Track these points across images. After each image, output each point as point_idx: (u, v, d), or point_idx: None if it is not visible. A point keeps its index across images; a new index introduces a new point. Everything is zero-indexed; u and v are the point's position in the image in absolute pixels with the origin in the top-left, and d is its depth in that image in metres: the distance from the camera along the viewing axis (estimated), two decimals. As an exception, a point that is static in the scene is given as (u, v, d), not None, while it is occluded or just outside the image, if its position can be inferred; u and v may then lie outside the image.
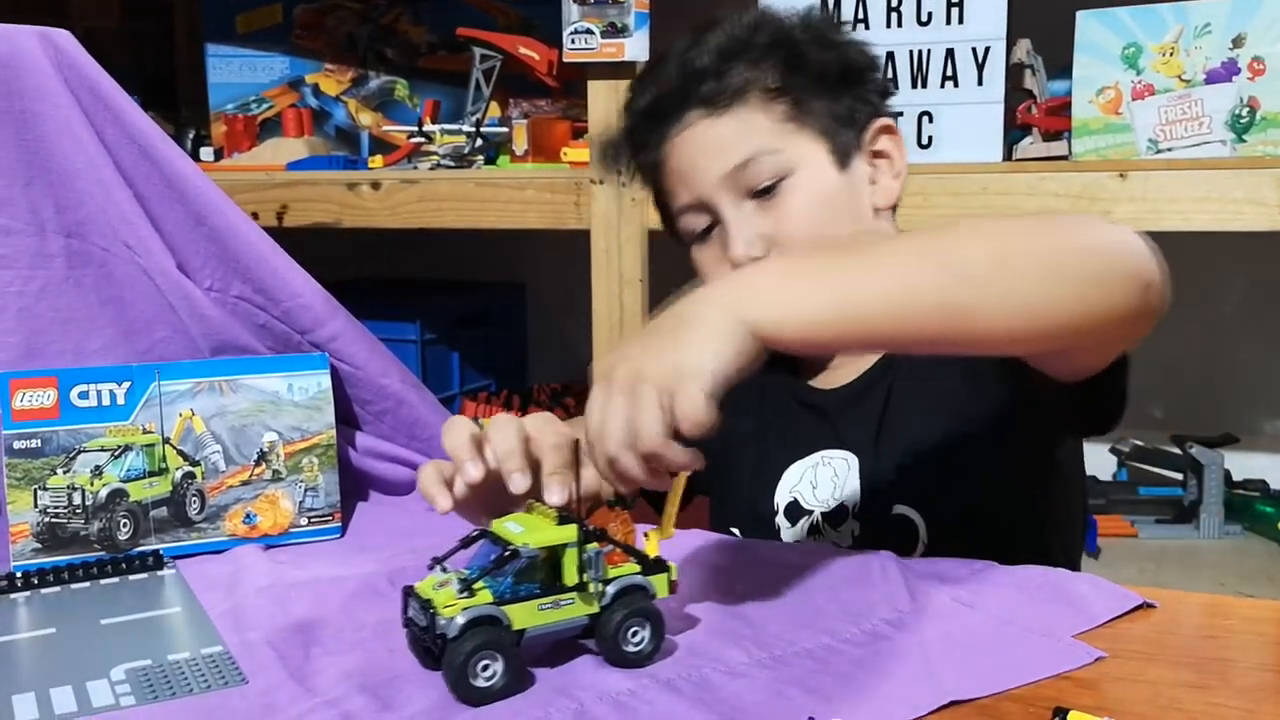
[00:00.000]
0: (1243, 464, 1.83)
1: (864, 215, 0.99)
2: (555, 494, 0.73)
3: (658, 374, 0.66)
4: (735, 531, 1.05)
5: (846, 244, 0.86)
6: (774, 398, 1.07)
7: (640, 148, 1.03)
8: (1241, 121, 1.34)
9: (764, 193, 0.96)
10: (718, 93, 0.96)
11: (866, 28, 1.46)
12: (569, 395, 2.11)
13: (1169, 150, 1.38)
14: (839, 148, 0.97)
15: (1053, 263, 0.71)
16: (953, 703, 0.67)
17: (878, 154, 1.01)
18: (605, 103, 1.54)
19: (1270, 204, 1.29)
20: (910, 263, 0.71)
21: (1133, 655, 0.73)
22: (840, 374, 1.04)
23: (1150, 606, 0.79)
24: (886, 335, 0.72)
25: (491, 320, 2.26)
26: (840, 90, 0.98)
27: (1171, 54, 1.36)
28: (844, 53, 1.00)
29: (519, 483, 0.75)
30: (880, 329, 0.70)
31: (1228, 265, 1.92)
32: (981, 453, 0.94)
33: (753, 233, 0.96)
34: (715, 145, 0.96)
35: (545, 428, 0.78)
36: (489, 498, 0.78)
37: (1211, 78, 1.35)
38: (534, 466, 0.76)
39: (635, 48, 1.49)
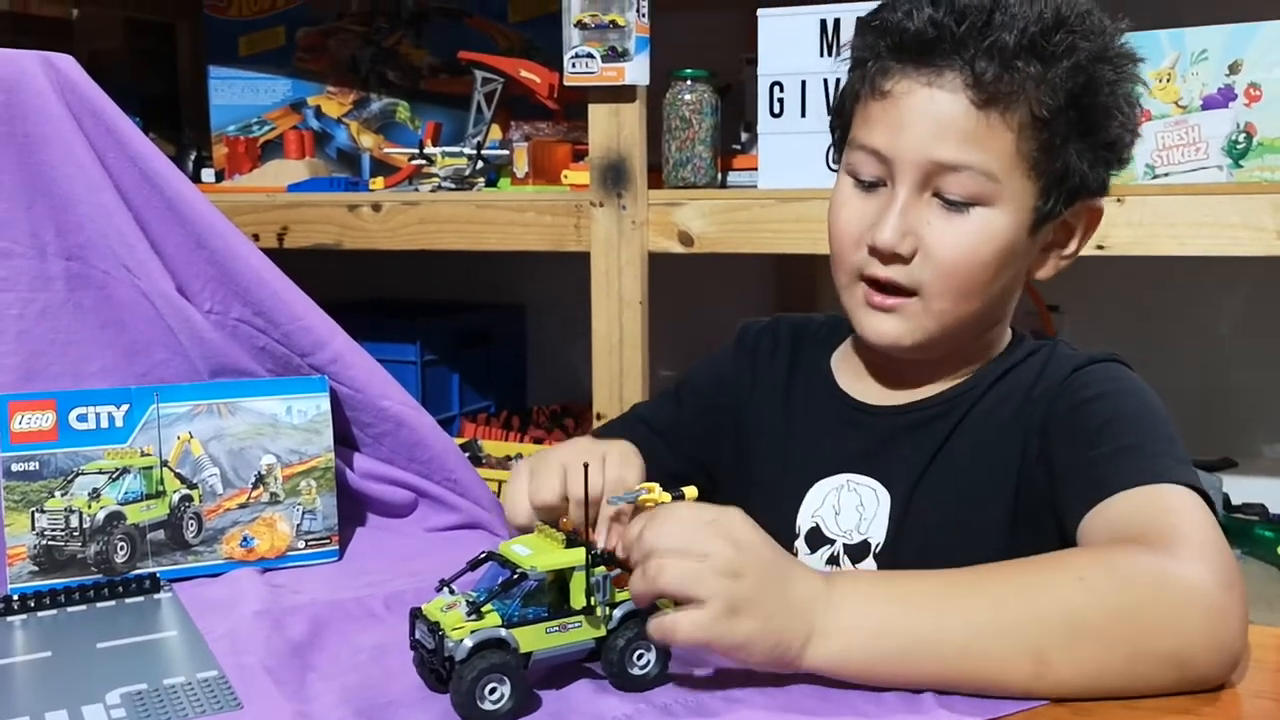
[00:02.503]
0: (1241, 488, 1.83)
1: (1017, 277, 0.91)
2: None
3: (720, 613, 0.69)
4: None
5: (944, 586, 0.73)
6: (806, 397, 1.00)
7: (876, 60, 0.89)
8: (1238, 147, 1.35)
9: (951, 202, 0.86)
10: (992, 81, 0.83)
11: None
12: (568, 416, 2.11)
13: (1166, 175, 1.38)
14: (1044, 210, 0.87)
15: (1125, 670, 0.70)
16: (949, 730, 0.67)
17: (1066, 226, 0.91)
18: (606, 126, 1.54)
19: (1267, 229, 1.29)
20: (998, 646, 0.70)
21: (1130, 683, 0.72)
22: (899, 392, 0.96)
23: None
24: (923, 684, 0.72)
25: (491, 342, 2.26)
26: (1093, 155, 0.87)
27: (1168, 80, 1.37)
28: (1121, 125, 0.88)
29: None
30: (923, 684, 0.71)
31: (1225, 290, 1.93)
32: (1029, 542, 0.85)
33: (912, 228, 0.86)
34: (947, 128, 0.85)
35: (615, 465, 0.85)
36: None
37: (1208, 104, 1.35)
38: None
39: (636, 72, 1.50)
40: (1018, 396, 0.92)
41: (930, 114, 0.85)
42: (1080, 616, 0.69)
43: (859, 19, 0.93)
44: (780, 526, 0.96)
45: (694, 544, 0.70)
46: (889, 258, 0.87)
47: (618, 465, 0.86)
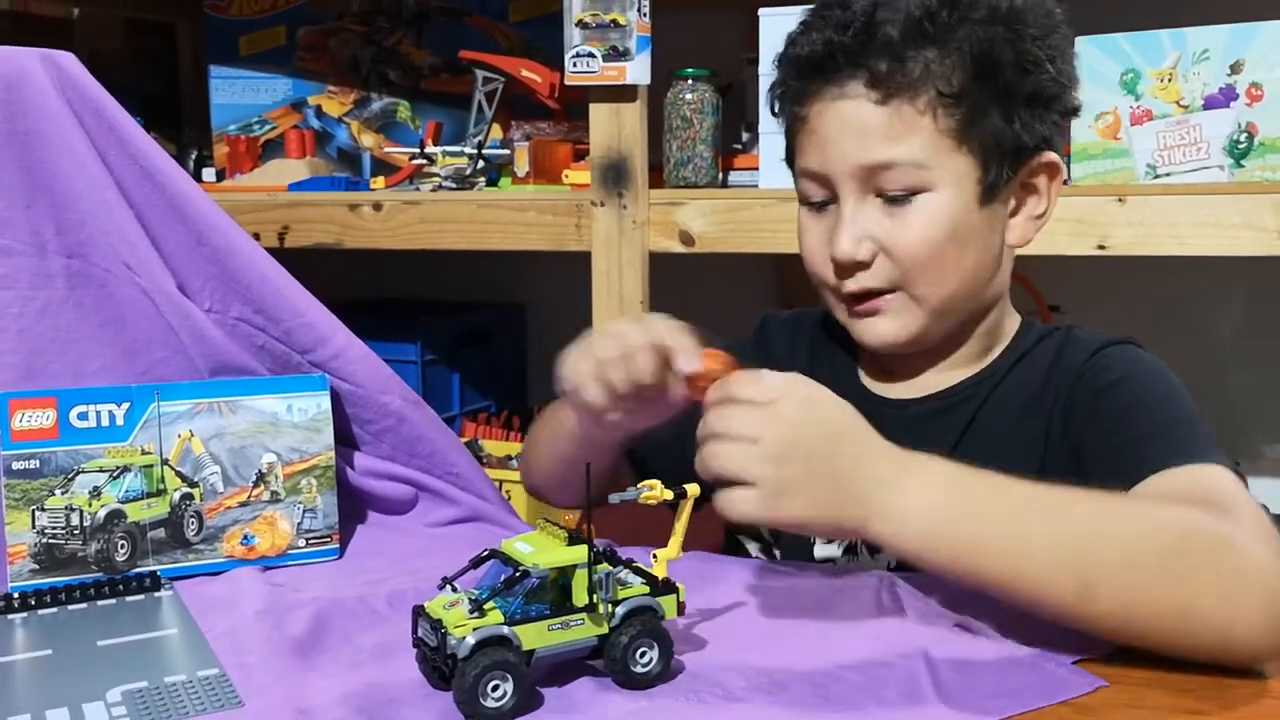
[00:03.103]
0: (1243, 488, 1.83)
1: (993, 249, 0.92)
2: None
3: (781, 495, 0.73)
4: (757, 539, 1.03)
5: (1011, 494, 0.75)
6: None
7: (788, 92, 0.94)
8: (1240, 147, 1.35)
9: (893, 198, 0.89)
10: (891, 75, 0.86)
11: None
12: (569, 417, 2.10)
13: (1168, 175, 1.38)
14: (989, 178, 0.89)
15: (1172, 623, 0.71)
16: (952, 728, 0.67)
17: (1028, 187, 0.92)
18: (607, 125, 1.54)
19: (1268, 229, 1.29)
20: (1047, 563, 0.72)
21: (1133, 682, 0.72)
22: (914, 385, 0.97)
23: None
24: (969, 582, 0.75)
25: (492, 341, 2.26)
26: (1021, 113, 0.88)
27: (1170, 80, 1.37)
28: (1040, 76, 0.89)
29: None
30: (969, 581, 0.75)
31: (1226, 289, 1.93)
32: None
33: (865, 233, 0.89)
34: (864, 132, 0.88)
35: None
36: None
37: (1210, 103, 1.36)
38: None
39: (637, 71, 1.50)
40: (1036, 381, 0.94)
41: (844, 124, 0.88)
42: (1135, 555, 0.71)
43: (774, 60, 0.97)
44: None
45: (746, 428, 0.73)
46: (852, 267, 0.90)
47: (665, 327, 0.85)
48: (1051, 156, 0.92)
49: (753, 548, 1.06)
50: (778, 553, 1.03)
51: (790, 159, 0.97)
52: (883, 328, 0.92)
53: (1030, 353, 0.95)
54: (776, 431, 0.73)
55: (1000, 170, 0.89)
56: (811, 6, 0.94)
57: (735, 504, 0.74)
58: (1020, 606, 0.73)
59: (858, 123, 0.88)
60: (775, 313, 1.11)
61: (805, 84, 0.91)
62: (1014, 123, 0.88)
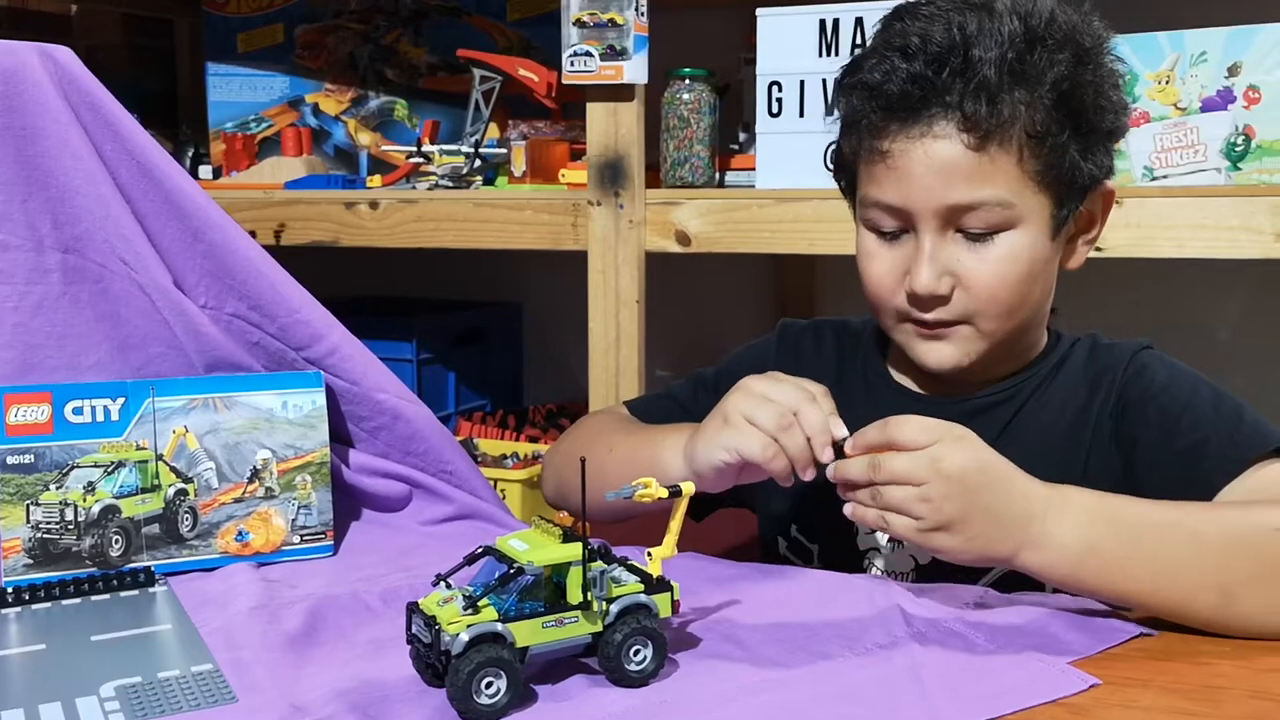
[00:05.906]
0: (1238, 491, 1.83)
1: (1054, 276, 0.94)
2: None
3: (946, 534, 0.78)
4: (790, 537, 1.03)
5: (1147, 516, 0.80)
6: (862, 392, 1.03)
7: (867, 124, 0.91)
8: (1237, 149, 1.35)
9: (974, 235, 0.89)
10: (984, 119, 0.85)
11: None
12: (564, 416, 2.11)
13: (1165, 177, 1.38)
14: (1062, 213, 0.90)
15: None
16: (945, 727, 0.67)
17: (1086, 214, 0.94)
18: (604, 125, 1.54)
19: (1265, 231, 1.29)
20: (1190, 579, 0.78)
21: (1126, 682, 0.73)
22: (951, 387, 0.99)
23: (1146, 634, 0.79)
24: (1116, 600, 0.82)
25: (488, 340, 2.26)
26: (1095, 150, 0.90)
27: (1167, 82, 1.37)
28: (1116, 106, 0.91)
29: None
30: (1116, 599, 0.81)
31: (1223, 292, 1.93)
32: None
33: (946, 268, 0.89)
34: (952, 172, 0.87)
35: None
36: None
37: (1207, 106, 1.36)
38: None
39: (634, 71, 1.50)
40: (1075, 384, 0.97)
41: (932, 165, 0.87)
42: (1271, 562, 0.77)
43: (839, 82, 0.95)
44: (844, 521, 0.94)
45: (914, 472, 0.78)
46: (930, 301, 0.91)
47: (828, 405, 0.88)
48: (1111, 185, 0.94)
49: (781, 545, 1.06)
50: (814, 547, 1.04)
51: (849, 178, 0.97)
52: (946, 353, 0.93)
53: (1066, 358, 0.98)
54: (938, 470, 0.77)
55: (1073, 205, 0.91)
56: (880, 31, 0.92)
57: (893, 526, 0.79)
58: (1164, 616, 0.79)
59: (946, 163, 0.87)
60: (792, 319, 1.12)
61: (888, 119, 0.88)
62: (1088, 160, 0.89)
